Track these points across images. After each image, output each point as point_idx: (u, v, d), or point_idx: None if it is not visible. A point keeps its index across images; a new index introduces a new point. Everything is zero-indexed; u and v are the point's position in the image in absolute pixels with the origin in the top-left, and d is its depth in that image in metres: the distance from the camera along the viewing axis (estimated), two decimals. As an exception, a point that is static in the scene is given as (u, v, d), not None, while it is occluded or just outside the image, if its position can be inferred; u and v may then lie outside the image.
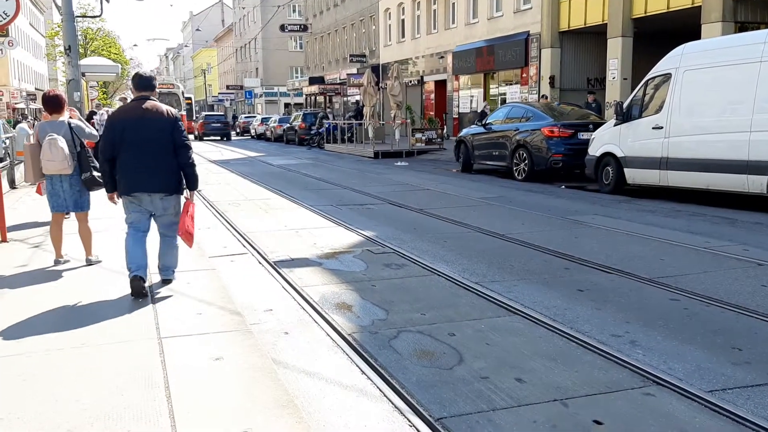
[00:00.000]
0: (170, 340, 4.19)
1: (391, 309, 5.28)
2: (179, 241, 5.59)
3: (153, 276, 5.85)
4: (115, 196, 5.50)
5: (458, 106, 28.38)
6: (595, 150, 12.47)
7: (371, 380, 3.83)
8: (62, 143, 6.04)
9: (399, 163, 20.38)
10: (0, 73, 51.96)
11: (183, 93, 36.18)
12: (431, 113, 29.97)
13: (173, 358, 3.87)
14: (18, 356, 3.95)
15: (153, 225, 5.62)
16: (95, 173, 6.24)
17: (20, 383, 3.54)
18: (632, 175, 11.64)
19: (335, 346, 4.45)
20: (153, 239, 5.60)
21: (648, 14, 18.32)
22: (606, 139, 12.21)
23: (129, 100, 5.78)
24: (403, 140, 24.23)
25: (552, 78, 21.87)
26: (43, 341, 4.19)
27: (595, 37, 20.60)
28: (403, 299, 5.56)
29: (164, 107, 5.43)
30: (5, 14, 7.17)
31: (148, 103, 5.34)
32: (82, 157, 6.21)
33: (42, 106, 6.73)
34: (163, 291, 5.39)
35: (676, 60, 11.04)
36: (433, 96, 31.30)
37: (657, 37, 18.31)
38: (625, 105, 11.82)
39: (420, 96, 32.31)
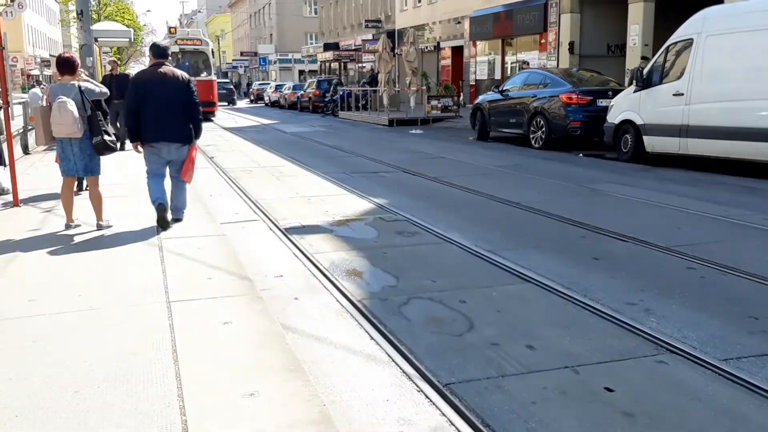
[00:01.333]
0: (179, 303, 4.18)
1: (402, 276, 5.23)
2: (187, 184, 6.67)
3: (163, 242, 5.85)
4: (139, 145, 6.39)
5: (475, 73, 28.00)
6: (613, 117, 12.24)
7: (380, 346, 3.80)
8: (72, 106, 5.99)
9: (414, 131, 20.20)
10: (14, 38, 51.93)
11: (213, 52, 27.59)
12: (447, 80, 29.61)
13: (181, 322, 3.86)
14: (28, 318, 3.95)
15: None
16: (106, 137, 6.20)
17: (30, 345, 3.54)
18: (651, 143, 11.44)
19: (344, 312, 4.42)
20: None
21: (671, -22, 17.82)
22: (625, 107, 11.98)
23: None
24: (419, 108, 23.99)
25: (571, 44, 21.46)
26: (53, 304, 4.19)
27: (615, 2, 20.11)
28: (415, 267, 5.50)
29: (178, 72, 6.49)
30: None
31: (165, 68, 6.39)
32: (93, 121, 6.16)
33: (55, 68, 6.70)
34: (174, 256, 5.37)
35: (698, 25, 10.75)
36: (449, 62, 30.90)
37: (679, 2, 17.84)
38: (645, 71, 11.56)
39: (436, 62, 31.92)
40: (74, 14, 47.87)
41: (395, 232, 6.78)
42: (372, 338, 3.93)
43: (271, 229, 6.95)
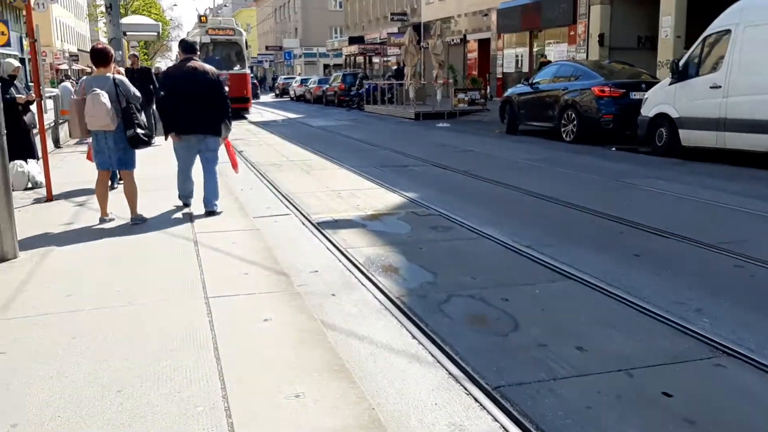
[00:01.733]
0: (218, 299, 4.12)
1: (440, 272, 5.12)
2: (218, 176, 6.96)
3: (198, 236, 5.80)
4: (172, 136, 6.74)
5: (502, 66, 27.70)
6: (648, 110, 11.98)
7: (423, 345, 3.70)
8: (105, 98, 5.96)
9: (441, 125, 20.03)
10: (43, 33, 52.41)
11: (247, 43, 25.11)
12: (473, 73, 29.34)
13: (221, 319, 3.79)
14: (67, 314, 3.92)
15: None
16: (139, 131, 6.16)
17: (69, 342, 3.50)
18: (687, 137, 11.17)
19: (384, 310, 4.33)
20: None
21: (705, -32, 17.40)
22: (660, 99, 11.71)
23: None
24: (445, 101, 23.79)
25: (601, 36, 21.09)
26: (91, 299, 4.16)
27: (647, -7, 19.72)
28: (452, 263, 5.40)
29: (207, 67, 6.82)
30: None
31: (194, 63, 6.74)
32: (127, 114, 6.12)
33: (85, 63, 6.71)
34: (209, 250, 5.32)
35: (735, 15, 10.45)
36: (475, 55, 30.62)
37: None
38: (680, 63, 11.28)
39: (462, 56, 31.64)
40: (102, 9, 48.31)
41: (429, 226, 6.67)
42: (414, 337, 3.83)
43: (303, 224, 6.88)
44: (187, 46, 6.92)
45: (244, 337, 3.54)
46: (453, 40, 31.60)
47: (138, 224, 6.25)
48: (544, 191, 8.36)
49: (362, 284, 4.86)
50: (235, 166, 7.73)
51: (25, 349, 3.42)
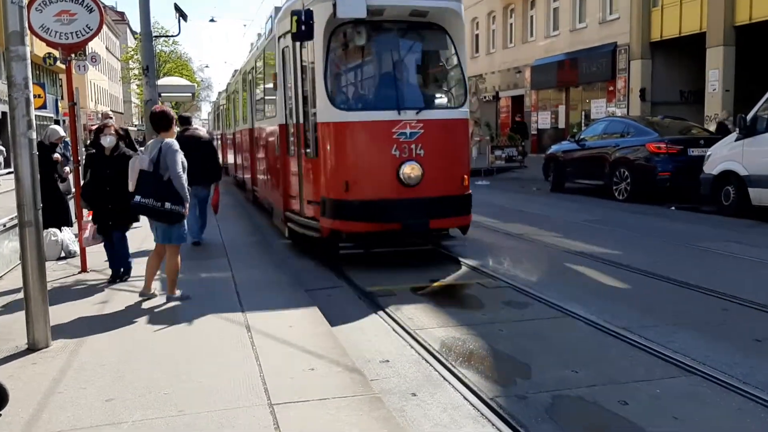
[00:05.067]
0: (284, 408, 3.42)
1: (533, 363, 4.39)
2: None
3: (249, 319, 5.14)
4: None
5: (537, 122, 27.23)
6: (712, 168, 11.24)
7: (546, 472, 2.96)
8: (141, 163, 5.45)
9: (480, 182, 19.42)
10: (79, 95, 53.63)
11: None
12: (507, 130, 28.89)
13: (293, 436, 3.10)
14: (108, 427, 3.25)
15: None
16: (153, 204, 5.41)
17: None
18: (758, 196, 10.38)
19: (480, 417, 3.60)
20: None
21: (753, 21, 16.90)
22: (725, 156, 10.98)
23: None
24: (481, 158, 23.26)
25: (642, 91, 20.55)
26: (135, 406, 3.49)
27: (690, 46, 19.22)
28: (542, 349, 4.66)
29: (201, 131, 8.83)
30: (89, 28, 6.70)
31: (192, 131, 8.51)
32: (166, 186, 5.43)
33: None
34: (264, 338, 4.64)
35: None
36: (508, 112, 30.24)
37: (762, 46, 16.89)
38: (748, 118, 10.59)
39: (495, 112, 31.30)
40: (135, 71, 49.27)
41: (502, 302, 5.96)
42: (530, 459, 3.09)
43: (360, 298, 6.23)
44: (183, 119, 8.57)
45: (326, 464, 2.84)
46: (485, 97, 31.32)
47: (181, 303, 5.61)
48: (615, 256, 7.63)
49: (445, 380, 4.15)
50: (214, 205, 8.98)
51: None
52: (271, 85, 9.76)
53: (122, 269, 6.52)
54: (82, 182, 6.93)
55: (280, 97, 8.77)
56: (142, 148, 6.13)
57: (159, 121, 5.61)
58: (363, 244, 7.61)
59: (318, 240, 7.63)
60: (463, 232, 7.78)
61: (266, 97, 10.73)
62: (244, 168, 14.89)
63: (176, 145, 5.54)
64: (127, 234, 6.58)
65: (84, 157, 7.49)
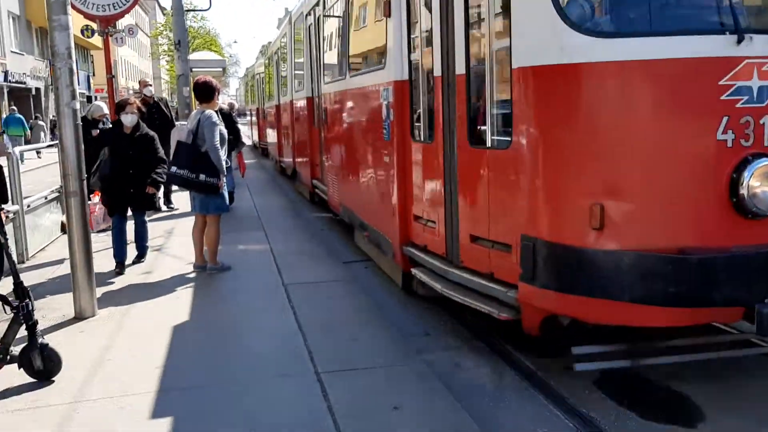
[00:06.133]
0: (331, 376, 3.42)
1: None
2: None
3: (289, 289, 5.15)
4: None
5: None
6: None
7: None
8: (180, 134, 5.47)
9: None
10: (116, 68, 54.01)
11: None
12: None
13: (341, 403, 3.10)
14: (160, 395, 3.29)
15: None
16: (187, 175, 5.39)
17: (163, 433, 2.86)
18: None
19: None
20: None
21: None
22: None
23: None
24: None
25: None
26: (184, 374, 3.53)
27: None
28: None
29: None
30: (125, 0, 6.72)
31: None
32: (202, 157, 5.40)
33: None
34: (306, 307, 4.64)
35: None
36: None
37: None
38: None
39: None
40: (164, 47, 49.49)
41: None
42: None
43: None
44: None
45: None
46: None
47: (217, 273, 5.65)
48: None
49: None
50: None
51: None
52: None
53: (137, 254, 6.19)
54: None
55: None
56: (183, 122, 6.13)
57: (202, 92, 5.62)
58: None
59: (499, 323, 3.88)
60: None
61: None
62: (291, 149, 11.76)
63: (215, 117, 5.53)
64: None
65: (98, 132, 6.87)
